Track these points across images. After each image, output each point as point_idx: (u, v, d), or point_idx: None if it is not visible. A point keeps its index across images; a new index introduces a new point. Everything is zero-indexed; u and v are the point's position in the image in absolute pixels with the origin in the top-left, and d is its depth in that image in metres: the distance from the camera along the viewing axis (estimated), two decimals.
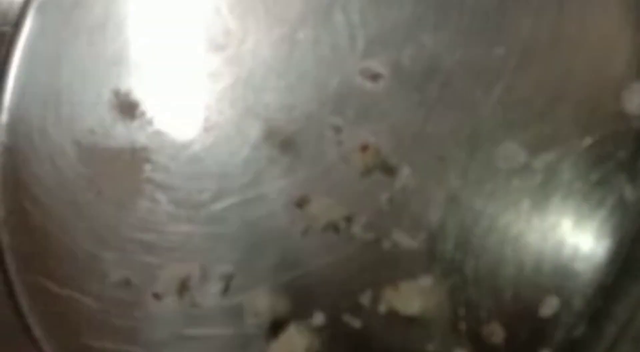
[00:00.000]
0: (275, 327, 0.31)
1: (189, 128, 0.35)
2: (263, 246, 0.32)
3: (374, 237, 0.31)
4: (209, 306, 0.33)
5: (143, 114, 0.36)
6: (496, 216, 0.29)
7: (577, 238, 0.28)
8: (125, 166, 0.36)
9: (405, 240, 0.30)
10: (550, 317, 0.28)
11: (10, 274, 0.38)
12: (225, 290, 0.33)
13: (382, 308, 0.30)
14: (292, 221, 0.32)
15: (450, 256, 0.30)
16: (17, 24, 0.39)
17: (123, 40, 0.37)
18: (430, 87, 0.31)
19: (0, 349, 0.37)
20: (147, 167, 0.35)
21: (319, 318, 0.31)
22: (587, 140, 0.28)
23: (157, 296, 0.34)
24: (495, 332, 0.28)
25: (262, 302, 0.31)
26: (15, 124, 0.38)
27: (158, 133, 0.36)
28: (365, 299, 0.30)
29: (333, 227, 0.31)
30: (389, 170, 0.31)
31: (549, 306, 0.28)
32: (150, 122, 0.36)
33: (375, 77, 0.32)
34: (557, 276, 0.28)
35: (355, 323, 0.30)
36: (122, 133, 0.36)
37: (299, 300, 0.32)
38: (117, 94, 0.36)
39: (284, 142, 0.33)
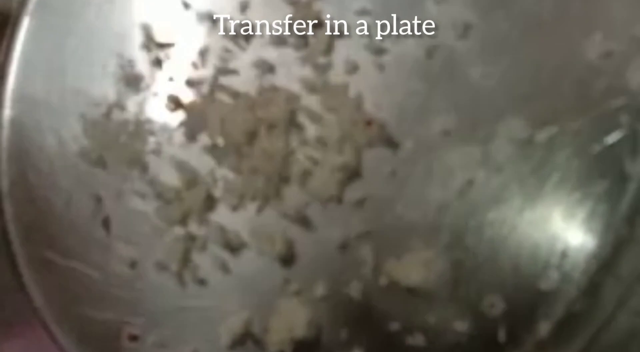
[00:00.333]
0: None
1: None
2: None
3: (376, 210, 0.31)
4: (210, 277, 0.34)
5: (148, 86, 0.36)
6: (500, 189, 0.29)
7: (577, 212, 0.28)
8: (129, 139, 0.36)
9: (408, 213, 0.31)
10: (550, 291, 0.28)
11: (14, 245, 0.38)
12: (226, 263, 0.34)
13: (384, 280, 0.30)
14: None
15: (451, 229, 0.30)
16: None
17: (131, 13, 0.37)
18: (433, 62, 0.31)
19: (1, 319, 0.37)
20: (152, 139, 0.36)
21: (319, 289, 0.31)
22: (589, 115, 0.28)
23: (160, 266, 0.34)
24: (495, 305, 0.29)
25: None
26: (20, 96, 0.38)
27: (163, 105, 0.36)
28: (366, 269, 0.31)
29: (336, 199, 0.32)
30: (393, 144, 0.31)
31: (549, 280, 0.28)
32: (155, 95, 0.36)
33: (379, 51, 0.32)
34: (557, 250, 0.28)
35: (356, 294, 0.31)
36: (127, 106, 0.36)
37: (300, 270, 0.32)
38: (122, 66, 0.36)
39: None
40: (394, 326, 0.30)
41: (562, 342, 0.28)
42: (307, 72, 0.33)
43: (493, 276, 0.29)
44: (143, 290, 0.35)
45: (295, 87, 0.33)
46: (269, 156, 0.32)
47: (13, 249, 0.38)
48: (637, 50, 0.28)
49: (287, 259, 0.32)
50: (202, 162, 0.34)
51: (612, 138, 0.28)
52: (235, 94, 0.34)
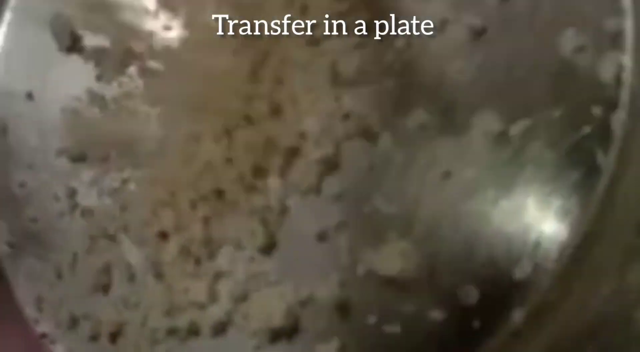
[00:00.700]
0: None
1: None
2: None
3: (354, 202, 0.32)
4: None
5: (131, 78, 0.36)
6: (475, 181, 0.30)
7: (551, 203, 0.29)
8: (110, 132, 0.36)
9: (385, 205, 0.31)
10: (524, 280, 0.29)
11: None
12: None
13: (361, 269, 0.31)
14: None
15: (427, 220, 0.30)
16: None
17: None
18: (410, 56, 0.32)
19: None
20: None
21: (298, 279, 0.32)
22: (562, 108, 0.29)
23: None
24: (470, 294, 0.29)
25: None
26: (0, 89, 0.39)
27: None
28: (344, 259, 0.31)
29: (315, 190, 0.32)
30: (371, 137, 0.32)
31: (522, 269, 0.29)
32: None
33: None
34: (530, 240, 0.29)
35: (335, 284, 0.31)
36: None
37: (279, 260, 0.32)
38: None
39: None
40: (372, 316, 0.30)
41: (536, 330, 0.29)
42: None
43: (468, 266, 0.29)
44: None
45: None
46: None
47: None
48: (609, 44, 0.29)
49: (267, 250, 0.33)
50: None
51: (584, 131, 0.28)
52: None
